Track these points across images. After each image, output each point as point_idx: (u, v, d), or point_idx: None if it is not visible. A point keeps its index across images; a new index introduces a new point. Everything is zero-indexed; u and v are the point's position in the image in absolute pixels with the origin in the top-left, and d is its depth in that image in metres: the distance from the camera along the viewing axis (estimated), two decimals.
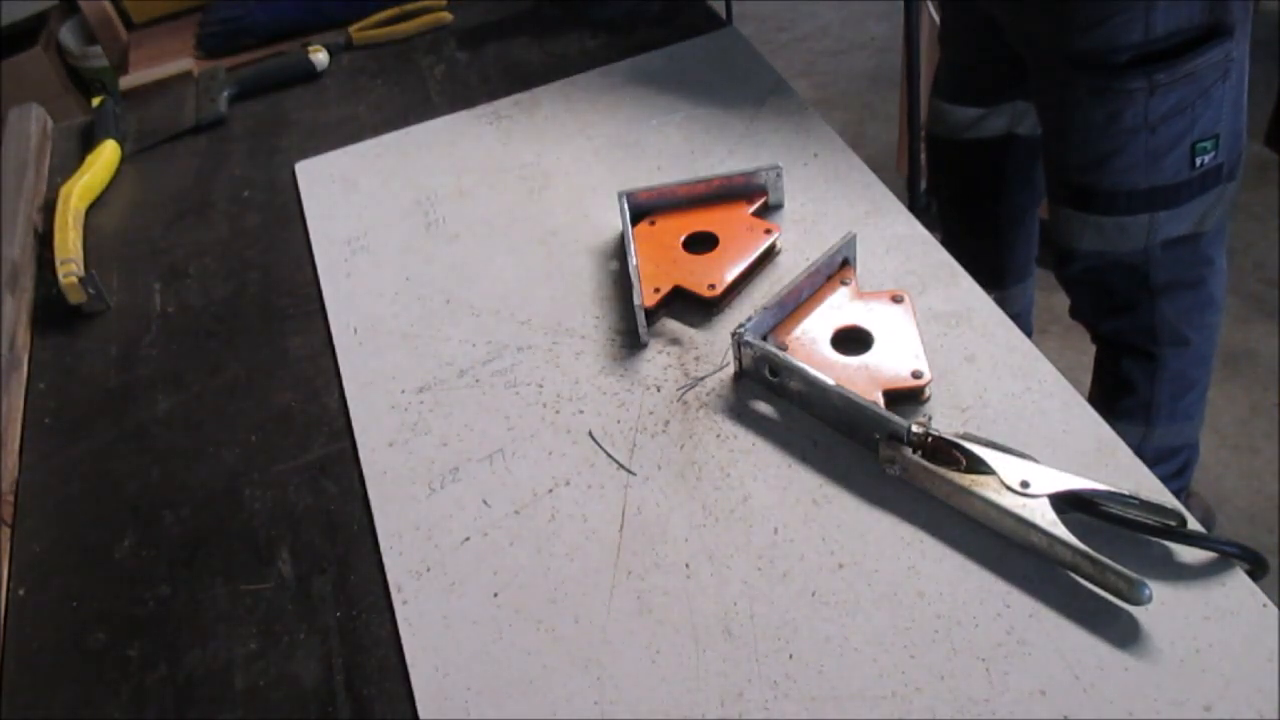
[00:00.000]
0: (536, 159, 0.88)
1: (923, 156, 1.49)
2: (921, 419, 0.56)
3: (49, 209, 0.92)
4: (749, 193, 0.77)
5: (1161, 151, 0.99)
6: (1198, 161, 1.00)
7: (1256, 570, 0.50)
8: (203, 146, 1.01)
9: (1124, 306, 1.14)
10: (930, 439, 0.55)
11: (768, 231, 0.73)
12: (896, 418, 0.56)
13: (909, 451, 0.56)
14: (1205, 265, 1.09)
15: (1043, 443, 0.57)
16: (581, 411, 0.65)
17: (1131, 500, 0.52)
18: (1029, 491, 0.52)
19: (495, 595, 0.56)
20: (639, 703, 0.51)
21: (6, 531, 0.67)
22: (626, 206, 0.76)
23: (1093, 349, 1.26)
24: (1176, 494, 0.52)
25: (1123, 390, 1.19)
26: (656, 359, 0.68)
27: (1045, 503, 0.52)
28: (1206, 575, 0.50)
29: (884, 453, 0.57)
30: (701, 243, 0.74)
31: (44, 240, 0.90)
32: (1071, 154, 1.05)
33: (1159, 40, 0.93)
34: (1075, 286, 1.19)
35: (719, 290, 0.70)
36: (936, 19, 1.72)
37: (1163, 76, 0.94)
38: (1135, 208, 1.04)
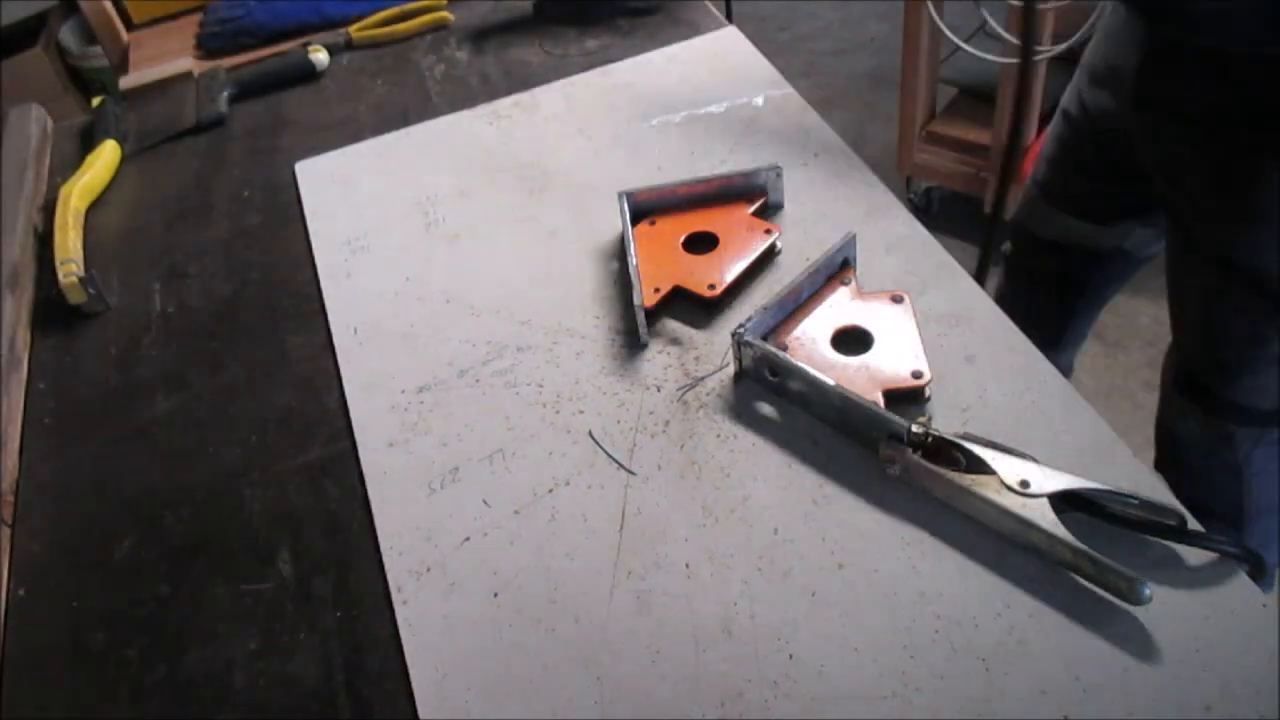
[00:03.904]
0: (536, 159, 0.88)
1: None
2: (921, 419, 0.56)
3: (49, 209, 0.92)
4: (749, 193, 0.77)
5: None
6: None
7: (1257, 570, 0.50)
8: (203, 146, 1.01)
9: (1213, 490, 1.09)
10: (930, 439, 0.55)
11: (768, 231, 0.73)
12: (896, 418, 0.56)
13: (909, 451, 0.56)
14: None
15: (1043, 443, 0.57)
16: (581, 411, 0.65)
17: (1131, 500, 0.52)
18: (1029, 491, 0.52)
19: (495, 595, 0.56)
20: (639, 703, 0.51)
21: (6, 531, 0.67)
22: (626, 206, 0.76)
23: (1093, 350, 1.24)
24: None
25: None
26: (656, 359, 0.68)
27: (1045, 503, 0.52)
28: (1206, 575, 0.50)
29: (884, 453, 0.57)
30: (701, 243, 0.74)
31: (44, 240, 0.90)
32: (1201, 351, 0.98)
33: None
34: (1168, 469, 1.13)
35: (719, 290, 0.70)
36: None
37: None
38: (1251, 421, 0.98)
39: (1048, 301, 1.21)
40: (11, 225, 0.89)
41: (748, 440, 0.62)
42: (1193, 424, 1.03)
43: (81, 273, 0.82)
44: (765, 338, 0.65)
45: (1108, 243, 1.09)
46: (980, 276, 1.25)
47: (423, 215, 0.85)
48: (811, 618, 0.52)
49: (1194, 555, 0.51)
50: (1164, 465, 1.15)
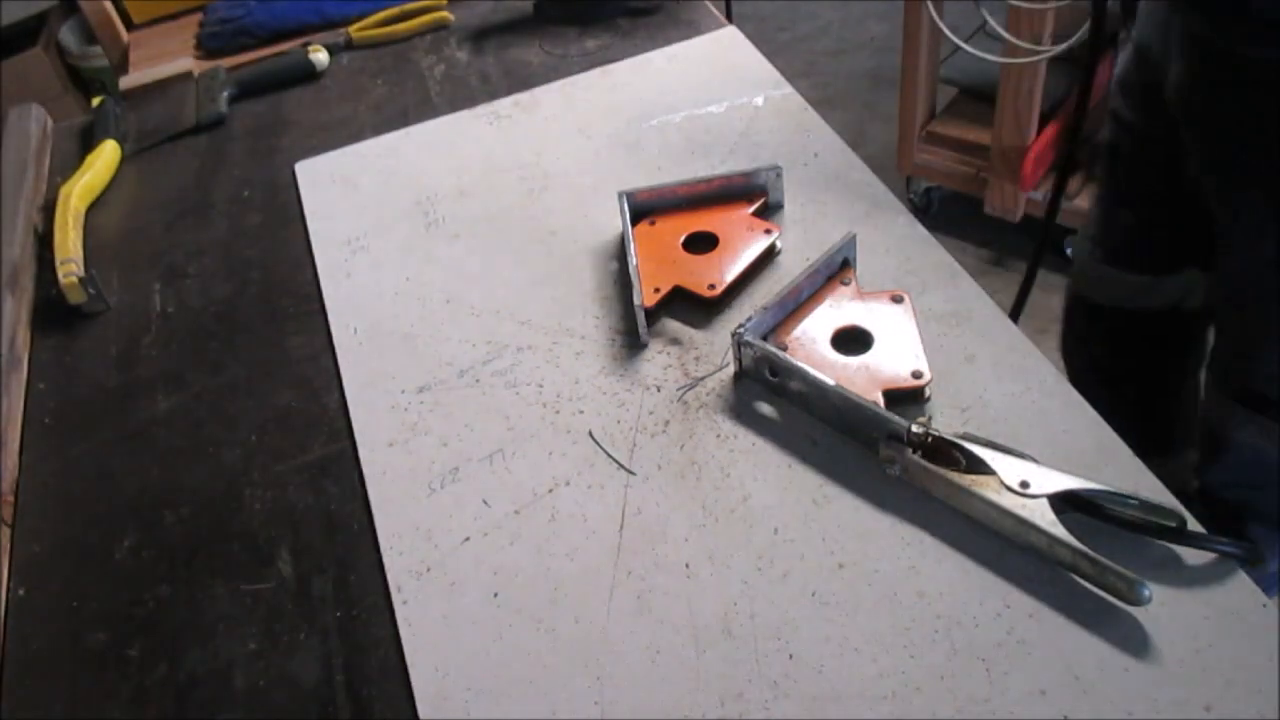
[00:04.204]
0: (536, 159, 0.88)
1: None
2: (921, 419, 0.56)
3: (49, 209, 0.92)
4: (749, 193, 0.77)
5: None
6: None
7: (1252, 558, 0.50)
8: (203, 146, 1.01)
9: (1262, 492, 1.06)
10: (930, 439, 0.55)
11: (768, 231, 0.73)
12: (896, 418, 0.56)
13: (909, 451, 0.56)
14: None
15: (1043, 443, 0.57)
16: (581, 411, 0.65)
17: (1131, 500, 0.52)
18: (1029, 491, 0.52)
19: (495, 595, 0.57)
20: (639, 703, 0.51)
21: (6, 531, 0.67)
22: (626, 206, 0.76)
23: None
24: None
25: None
26: (656, 359, 0.68)
27: (1045, 503, 0.52)
28: (1206, 575, 0.50)
29: (884, 453, 0.57)
30: (701, 243, 0.74)
31: (44, 240, 0.90)
32: (1263, 363, 0.95)
33: None
34: (1215, 491, 1.10)
35: (719, 290, 0.70)
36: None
37: None
38: None
39: (1116, 376, 1.15)
40: (11, 225, 0.89)
41: (748, 440, 0.62)
42: (1253, 430, 1.00)
43: (81, 273, 0.82)
44: (765, 338, 0.65)
45: (1168, 297, 1.05)
46: (1016, 313, 1.21)
47: (423, 215, 0.85)
48: (811, 618, 0.52)
49: (1194, 555, 0.51)
50: (1209, 468, 1.12)
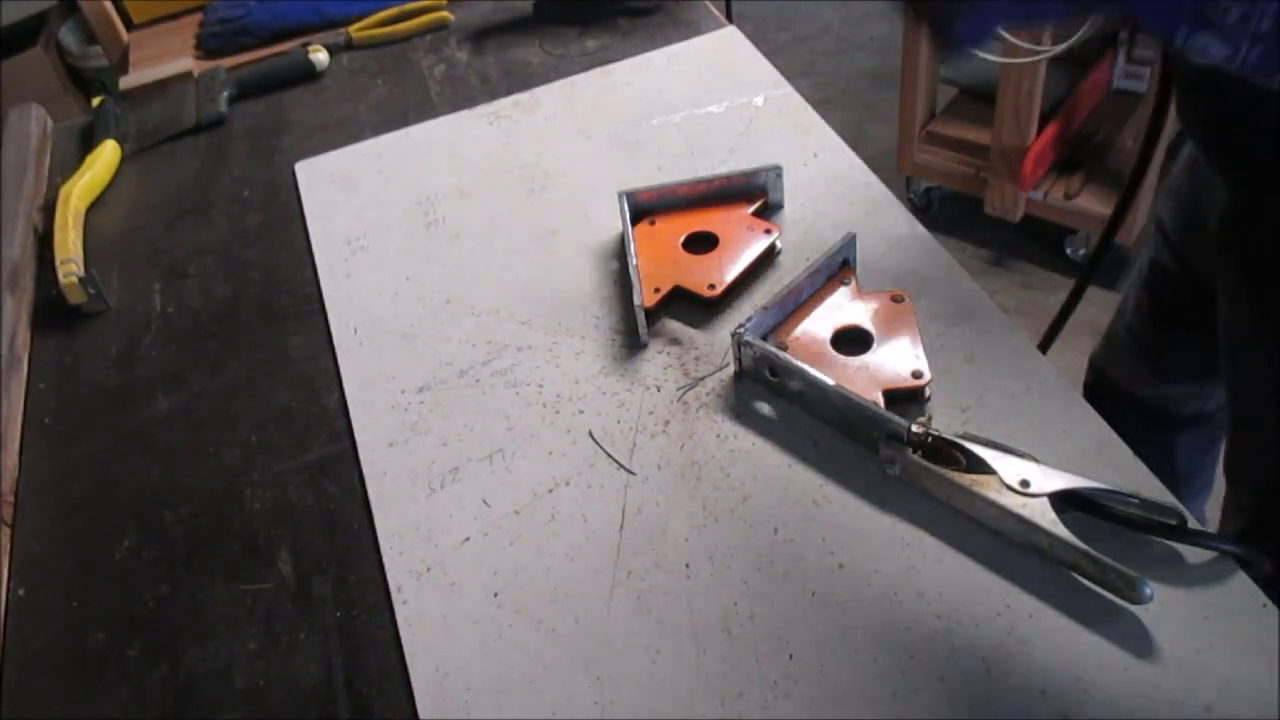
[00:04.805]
0: (536, 159, 0.88)
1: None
2: (921, 419, 0.56)
3: (49, 209, 0.92)
4: (749, 193, 0.77)
5: None
6: None
7: (1259, 569, 0.50)
8: (203, 146, 1.01)
9: None
10: (930, 439, 0.55)
11: (768, 231, 0.73)
12: (896, 418, 0.56)
13: (909, 451, 0.56)
14: None
15: (1043, 443, 0.57)
16: (581, 411, 0.65)
17: (1132, 499, 0.52)
18: (1029, 491, 0.52)
19: (495, 595, 0.56)
20: (639, 703, 0.51)
21: (6, 531, 0.67)
22: (626, 206, 0.76)
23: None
24: None
25: None
26: (656, 359, 0.68)
27: (1045, 502, 0.52)
28: (1206, 575, 0.50)
29: (884, 453, 0.57)
30: (701, 243, 0.74)
31: (44, 240, 0.90)
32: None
33: None
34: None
35: (719, 290, 0.70)
36: None
37: None
38: None
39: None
40: (11, 225, 0.89)
41: (748, 440, 0.62)
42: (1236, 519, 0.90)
43: (81, 273, 0.82)
44: (765, 338, 0.65)
45: (1195, 408, 1.01)
46: (1046, 345, 1.16)
47: (423, 215, 0.85)
48: (811, 618, 0.52)
49: (1194, 555, 0.51)
50: None
